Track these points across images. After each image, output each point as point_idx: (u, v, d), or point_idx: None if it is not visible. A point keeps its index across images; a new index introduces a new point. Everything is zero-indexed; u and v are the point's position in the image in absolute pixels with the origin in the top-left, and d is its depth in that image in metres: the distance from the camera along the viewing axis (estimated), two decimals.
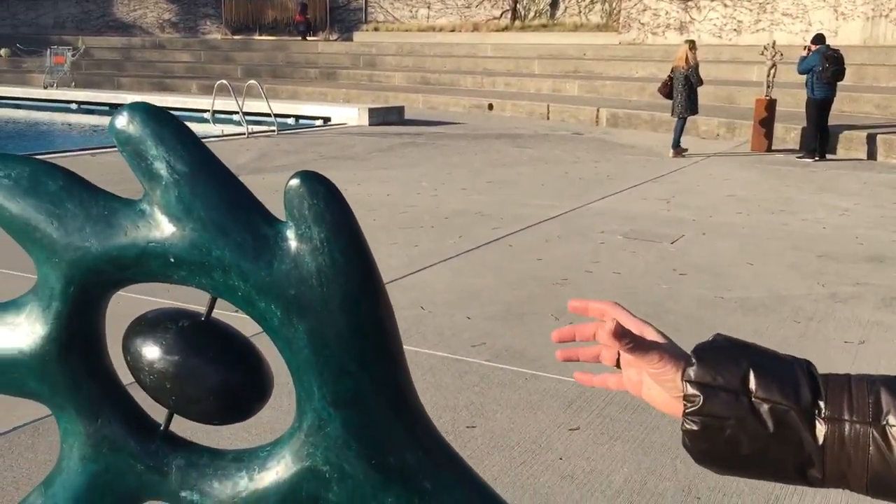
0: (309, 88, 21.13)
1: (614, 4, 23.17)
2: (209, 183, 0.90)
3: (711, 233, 7.23)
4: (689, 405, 0.78)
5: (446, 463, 0.95)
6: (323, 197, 0.88)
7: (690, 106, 12.21)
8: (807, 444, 0.75)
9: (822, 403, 0.75)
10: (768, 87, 13.02)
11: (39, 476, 2.99)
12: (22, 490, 2.90)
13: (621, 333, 0.82)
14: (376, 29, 27.01)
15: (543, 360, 4.21)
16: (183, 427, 0.99)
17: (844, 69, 12.03)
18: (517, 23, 24.73)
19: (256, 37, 28.78)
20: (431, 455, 0.94)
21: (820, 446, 0.74)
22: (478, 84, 21.02)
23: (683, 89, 12.10)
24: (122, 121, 0.91)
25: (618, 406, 3.69)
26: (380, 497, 0.92)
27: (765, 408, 0.76)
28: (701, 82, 12.28)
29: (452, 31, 25.45)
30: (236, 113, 14.19)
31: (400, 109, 16.88)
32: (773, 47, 12.95)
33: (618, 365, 0.92)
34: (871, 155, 12.33)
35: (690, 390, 0.79)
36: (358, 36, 27.00)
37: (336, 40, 27.36)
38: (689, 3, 21.44)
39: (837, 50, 12.08)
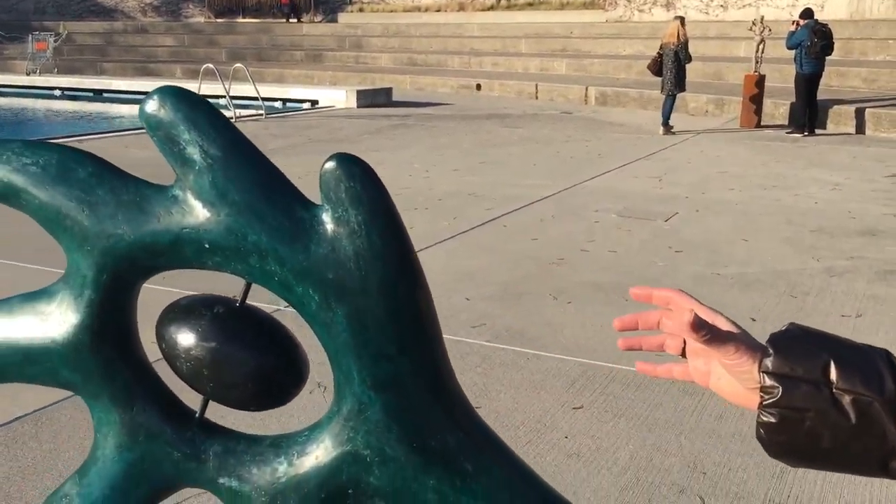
0: (295, 71, 20.99)
1: None
2: (243, 167, 0.89)
3: (705, 209, 7.25)
4: (766, 397, 0.77)
5: (485, 444, 0.94)
6: (359, 179, 0.87)
7: (679, 83, 12.20)
8: (890, 435, 0.73)
9: None
10: (757, 62, 13.02)
11: (45, 465, 2.98)
12: (28, 480, 2.89)
13: (699, 325, 0.80)
14: (361, 10, 26.82)
15: (543, 339, 4.22)
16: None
17: (833, 44, 12.04)
18: (503, 2, 24.61)
19: (240, 20, 28.53)
20: (471, 436, 0.93)
21: None
22: (465, 64, 20.94)
23: (673, 66, 12.08)
24: (152, 105, 0.89)
25: (620, 384, 3.71)
26: (421, 479, 0.91)
27: (847, 399, 0.74)
28: (690, 59, 12.26)
29: (438, 10, 25.31)
30: (223, 97, 14.07)
31: (388, 91, 16.80)
32: (761, 23, 12.95)
33: (682, 354, 0.90)
34: (860, 129, 12.37)
35: (768, 382, 0.77)
36: (343, 17, 26.81)
37: (321, 22, 27.16)
38: None
39: (826, 24, 12.08)
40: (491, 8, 24.61)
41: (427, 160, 9.69)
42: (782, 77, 14.25)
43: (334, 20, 26.83)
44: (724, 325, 0.84)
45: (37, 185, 0.92)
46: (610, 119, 14.03)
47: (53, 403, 3.41)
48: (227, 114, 13.95)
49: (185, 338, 0.92)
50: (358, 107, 15.65)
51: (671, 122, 12.25)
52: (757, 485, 2.91)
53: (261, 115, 14.10)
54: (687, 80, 12.47)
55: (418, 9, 25.67)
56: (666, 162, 9.79)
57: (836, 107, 12.82)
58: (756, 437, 0.79)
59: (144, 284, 0.97)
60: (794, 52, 12.10)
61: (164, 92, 0.90)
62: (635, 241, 6.18)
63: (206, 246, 0.89)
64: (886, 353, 0.78)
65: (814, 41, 11.68)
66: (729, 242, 6.15)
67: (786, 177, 8.89)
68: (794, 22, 12.36)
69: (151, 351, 0.96)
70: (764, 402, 0.77)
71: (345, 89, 16.59)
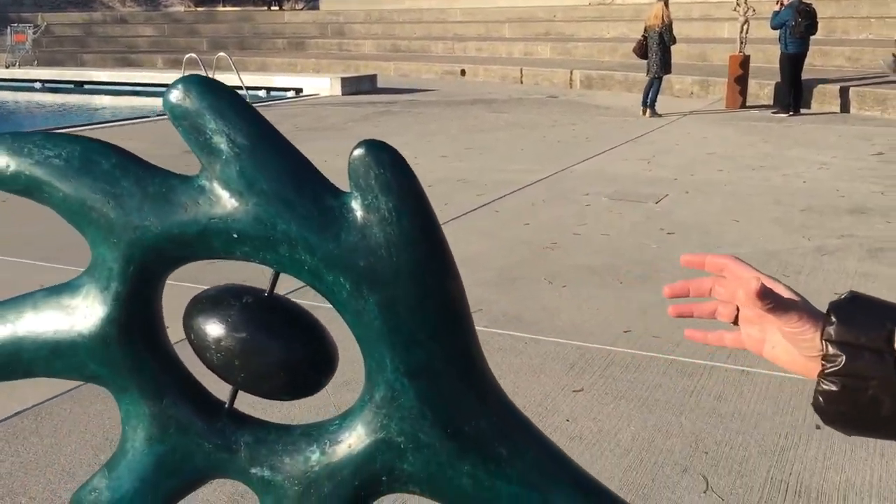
0: (278, 59, 20.85)
1: None
2: (271, 155, 0.88)
3: (694, 191, 7.27)
4: (829, 365, 0.77)
5: (518, 428, 0.94)
6: (389, 166, 0.87)
7: (665, 65, 12.21)
8: None
9: None
10: (742, 43, 13.05)
11: (47, 460, 2.97)
12: (31, 475, 2.88)
13: (765, 293, 0.80)
14: None
15: (540, 323, 4.23)
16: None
17: (817, 23, 12.08)
18: None
19: (220, 8, 28.29)
20: (504, 421, 0.93)
21: None
22: (449, 50, 20.87)
23: (658, 48, 12.08)
24: (177, 95, 0.88)
25: (619, 366, 3.73)
26: (455, 465, 0.91)
27: None
28: (674, 40, 12.27)
29: None
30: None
31: (372, 78, 16.73)
32: (745, 3, 12.96)
33: (734, 322, 0.90)
34: (845, 108, 12.43)
35: (831, 350, 0.77)
36: (324, 4, 26.61)
37: (302, 9, 26.97)
38: None
39: (810, 4, 12.11)
40: None
41: (415, 147, 9.66)
42: (766, 57, 14.29)
43: (316, 7, 26.64)
44: (785, 293, 0.83)
45: (60, 178, 0.91)
46: (595, 102, 14.03)
47: (53, 398, 3.40)
48: None
49: (216, 328, 0.91)
50: (343, 94, 15.57)
51: (657, 106, 12.26)
52: (758, 462, 2.94)
53: None
54: (672, 61, 12.48)
55: None
56: (653, 144, 9.81)
57: (820, 86, 12.87)
58: (812, 405, 0.79)
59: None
60: (778, 32, 12.12)
61: (188, 81, 0.89)
62: (627, 224, 6.20)
63: (235, 236, 0.88)
64: None
65: (798, 21, 11.71)
66: (720, 223, 6.18)
67: (773, 157, 8.92)
68: (778, 2, 12.39)
69: None
70: (826, 371, 0.77)
71: (329, 77, 16.51)
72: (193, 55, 14.61)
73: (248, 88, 14.58)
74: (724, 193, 7.19)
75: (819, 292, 4.64)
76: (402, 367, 0.89)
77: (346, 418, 0.94)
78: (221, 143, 0.87)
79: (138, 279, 0.92)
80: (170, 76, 17.11)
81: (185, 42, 23.18)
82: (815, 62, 14.35)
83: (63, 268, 5.20)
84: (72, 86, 19.03)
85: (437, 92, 15.70)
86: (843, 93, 12.53)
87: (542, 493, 0.93)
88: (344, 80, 15.99)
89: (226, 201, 0.88)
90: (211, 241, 0.89)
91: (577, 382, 3.58)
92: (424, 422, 0.90)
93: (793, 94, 12.08)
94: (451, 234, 5.36)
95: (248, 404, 0.98)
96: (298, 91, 16.36)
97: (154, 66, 21.48)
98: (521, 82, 17.24)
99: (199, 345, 0.92)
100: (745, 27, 12.99)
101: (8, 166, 0.93)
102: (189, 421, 0.96)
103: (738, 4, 13.14)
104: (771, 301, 0.80)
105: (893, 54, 13.13)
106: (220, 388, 0.97)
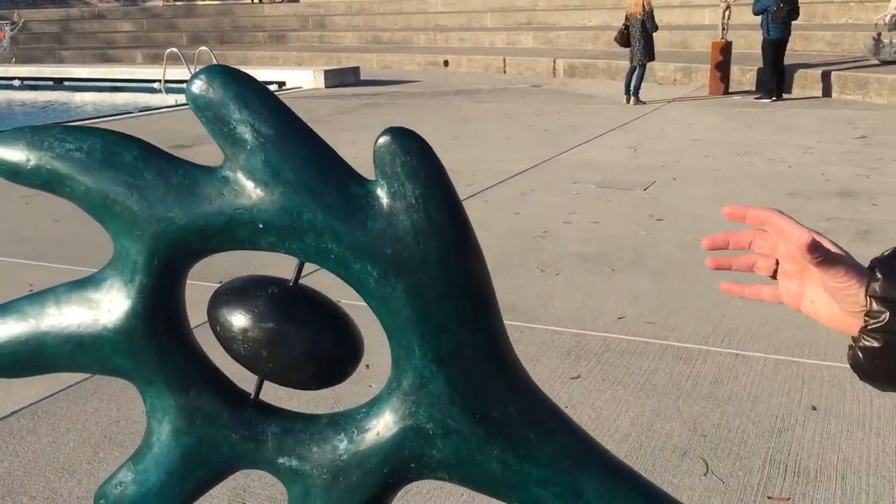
0: (259, 53, 20.72)
1: None
2: (296, 144, 0.88)
3: (681, 178, 7.30)
4: (871, 321, 0.76)
5: (545, 412, 0.95)
6: (416, 153, 0.87)
7: (648, 52, 12.23)
8: None
9: None
10: (724, 29, 13.09)
11: (45, 459, 2.95)
12: (30, 474, 2.86)
13: (815, 247, 0.78)
14: None
15: (535, 312, 4.25)
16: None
17: (798, 8, 12.14)
18: None
19: (199, 2, 28.07)
20: (532, 405, 0.94)
21: None
22: (431, 41, 20.81)
23: (641, 36, 12.11)
24: (200, 85, 0.88)
25: (615, 353, 3.74)
26: (484, 450, 0.92)
27: None
28: (657, 28, 12.30)
29: None
30: (187, 82, 13.85)
31: (355, 70, 16.66)
32: None
33: (773, 276, 0.89)
34: (827, 92, 12.51)
35: (876, 306, 0.76)
36: None
37: (282, 2, 26.79)
38: None
39: None
40: None
41: None
42: (748, 43, 14.35)
43: (295, 0, 26.49)
44: (832, 248, 0.81)
45: (82, 171, 0.90)
46: (579, 91, 14.05)
47: (49, 396, 3.37)
48: None
49: (242, 319, 0.91)
50: (326, 87, 15.50)
51: (641, 93, 12.28)
52: (757, 444, 2.96)
53: None
54: (655, 49, 12.51)
55: None
56: (639, 132, 9.83)
57: (801, 70, 12.94)
58: (849, 361, 0.79)
59: None
60: (759, 17, 12.17)
61: (211, 71, 0.88)
62: (616, 212, 6.22)
63: (261, 226, 0.88)
64: None
65: (780, 6, 11.76)
66: (708, 209, 6.21)
67: (758, 142, 8.97)
68: None
69: None
70: (868, 327, 0.77)
71: (312, 70, 16.43)
72: (175, 50, 14.51)
73: None
74: (710, 179, 7.22)
75: None
76: (430, 354, 0.89)
77: (373, 406, 0.94)
78: (246, 133, 0.87)
79: (163, 272, 0.92)
80: (150, 72, 17.00)
81: (165, 37, 23.01)
82: (796, 47, 14.42)
83: (52, 266, 5.17)
84: (51, 83, 18.83)
85: (421, 83, 15.66)
86: (825, 77, 12.61)
87: (570, 475, 0.94)
88: (327, 72, 15.92)
89: (251, 191, 0.87)
90: (236, 231, 0.89)
91: (574, 370, 3.59)
92: (453, 408, 0.90)
93: (775, 79, 12.15)
94: None
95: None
96: (281, 84, 16.27)
97: (133, 61, 21.30)
98: (505, 72, 17.23)
99: (226, 336, 0.92)
100: (727, 13, 13.04)
101: (28, 160, 0.92)
102: (216, 412, 0.96)
103: None
104: (820, 255, 0.79)
105: (874, 38, 13.21)
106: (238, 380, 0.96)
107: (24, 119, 14.51)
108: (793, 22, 12.26)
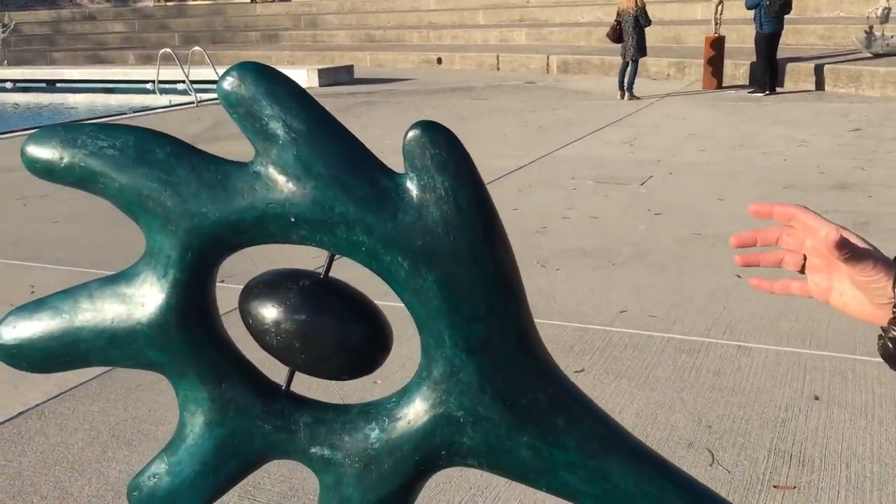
0: (252, 52, 20.70)
1: None
2: (327, 139, 0.90)
3: (678, 172, 7.33)
4: None
5: (572, 398, 0.97)
6: (445, 146, 0.89)
7: (641, 48, 12.26)
8: None
9: None
10: (716, 24, 13.13)
11: (54, 458, 2.96)
12: (41, 475, 2.87)
13: (843, 243, 0.80)
14: None
15: (537, 307, 4.26)
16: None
17: (791, 2, 12.18)
18: None
19: (191, 2, 28.00)
20: (559, 392, 0.96)
21: None
22: (424, 39, 20.81)
23: (633, 32, 12.13)
24: (232, 82, 0.89)
25: (617, 346, 3.77)
26: (514, 437, 0.93)
27: None
28: (649, 22, 12.33)
29: None
30: (181, 82, 13.86)
31: (349, 69, 16.66)
32: None
33: (801, 271, 0.91)
34: (819, 85, 12.56)
35: None
36: None
37: (274, 1, 26.75)
38: None
39: None
40: None
41: (398, 137, 9.54)
42: (741, 38, 14.39)
43: None
44: (859, 243, 0.84)
45: (116, 169, 0.92)
46: (573, 87, 14.07)
47: (55, 396, 3.38)
48: (188, 99, 13.75)
49: (276, 311, 0.93)
50: (320, 86, 15.49)
51: (635, 89, 12.31)
52: (761, 434, 2.99)
53: None
54: (647, 44, 12.54)
55: None
56: (634, 127, 9.86)
57: (794, 64, 12.99)
58: (880, 352, 0.81)
59: None
60: (752, 11, 12.21)
61: (242, 68, 0.90)
62: (614, 206, 6.25)
63: (293, 220, 0.90)
64: None
65: (773, 0, 11.79)
66: (706, 203, 6.24)
67: (753, 136, 9.01)
68: None
69: None
70: None
71: (306, 69, 16.41)
72: (168, 50, 14.48)
73: None
74: (707, 173, 7.25)
75: None
76: (461, 343, 0.91)
77: (403, 395, 0.96)
78: (278, 128, 0.88)
79: (196, 266, 0.93)
80: (142, 72, 16.96)
81: (157, 37, 22.97)
82: (789, 41, 14.46)
83: (52, 267, 5.17)
84: (44, 85, 18.78)
85: (415, 81, 15.67)
86: (818, 71, 12.66)
87: (597, 459, 0.96)
88: (321, 71, 15.91)
89: (283, 186, 0.89)
90: (268, 225, 0.90)
91: (578, 363, 3.62)
92: (484, 396, 0.92)
93: (769, 73, 12.19)
94: None
95: None
96: None
97: (126, 62, 21.26)
98: (498, 69, 17.25)
99: (258, 328, 0.94)
100: (720, 8, 13.08)
101: (62, 158, 0.93)
102: (249, 403, 0.97)
103: None
104: (848, 250, 0.81)
105: (865, 31, 13.27)
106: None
107: (20, 121, 14.46)
108: (785, 16, 12.31)
